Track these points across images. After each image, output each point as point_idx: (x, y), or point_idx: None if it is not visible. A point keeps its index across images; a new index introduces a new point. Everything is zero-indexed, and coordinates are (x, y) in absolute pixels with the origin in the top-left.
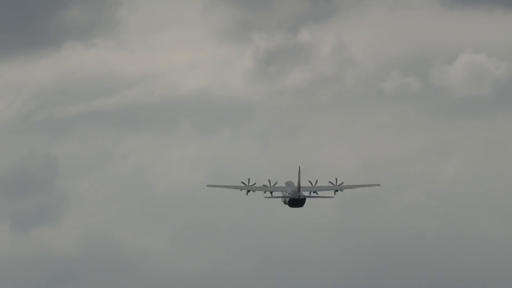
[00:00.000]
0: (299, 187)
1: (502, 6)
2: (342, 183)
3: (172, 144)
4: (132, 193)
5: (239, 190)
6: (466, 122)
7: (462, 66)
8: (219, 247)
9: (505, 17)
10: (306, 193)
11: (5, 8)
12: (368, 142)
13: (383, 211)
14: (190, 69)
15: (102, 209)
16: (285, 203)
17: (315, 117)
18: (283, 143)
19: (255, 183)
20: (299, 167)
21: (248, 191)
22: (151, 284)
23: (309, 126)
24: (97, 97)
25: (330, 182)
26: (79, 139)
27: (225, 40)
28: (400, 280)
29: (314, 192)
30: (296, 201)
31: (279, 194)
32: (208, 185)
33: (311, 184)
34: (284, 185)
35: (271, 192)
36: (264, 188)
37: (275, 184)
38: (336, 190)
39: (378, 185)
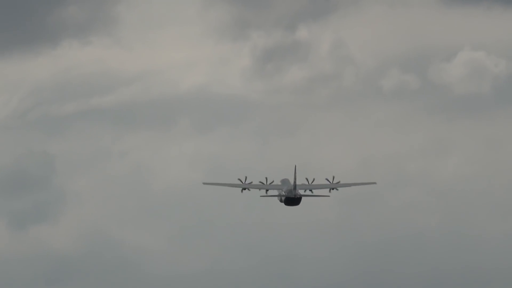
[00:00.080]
0: (295, 185)
1: (501, 4)
2: (339, 182)
3: (170, 142)
4: (129, 191)
5: (236, 188)
6: (465, 119)
7: (461, 64)
8: (217, 245)
9: (504, 15)
10: (302, 192)
11: (1, 5)
12: (366, 140)
13: (382, 209)
14: (188, 66)
15: (99, 207)
16: (281, 201)
17: (314, 115)
18: (281, 141)
19: (251, 182)
20: (295, 166)
21: (244, 188)
22: (149, 281)
23: (307, 124)
24: (94, 95)
25: (326, 179)
26: (76, 137)
27: (223, 38)
28: (399, 278)
29: (310, 190)
30: (292, 200)
31: (275, 192)
32: (204, 183)
33: (308, 182)
34: (280, 183)
35: (266, 190)
36: (260, 186)
37: (271, 183)
38: (332, 189)
39: (374, 183)
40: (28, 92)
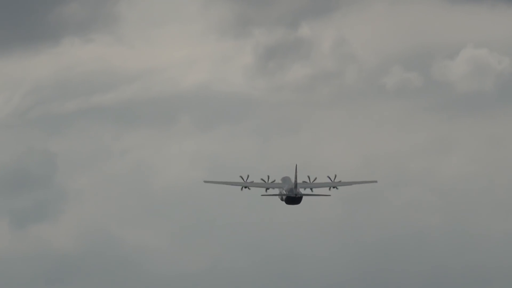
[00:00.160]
0: (295, 184)
1: (504, 1)
2: (340, 181)
3: (171, 140)
4: (130, 189)
5: (237, 186)
6: (468, 117)
7: (464, 61)
8: (218, 243)
9: (508, 12)
10: (303, 190)
11: (3, 2)
12: (369, 138)
13: (384, 208)
14: (189, 64)
15: (100, 206)
16: (282, 199)
17: (316, 113)
18: (283, 139)
19: (252, 181)
20: (296, 165)
21: (245, 187)
22: (150, 280)
23: (309, 122)
24: (95, 92)
25: (328, 177)
26: (77, 135)
27: (225, 35)
28: (401, 277)
29: (310, 189)
30: (293, 199)
31: (276, 191)
32: (205, 181)
33: (309, 180)
34: (280, 181)
35: (266, 189)
36: (260, 185)
37: (273, 181)
38: (333, 187)
39: (375, 181)
40: (29, 90)
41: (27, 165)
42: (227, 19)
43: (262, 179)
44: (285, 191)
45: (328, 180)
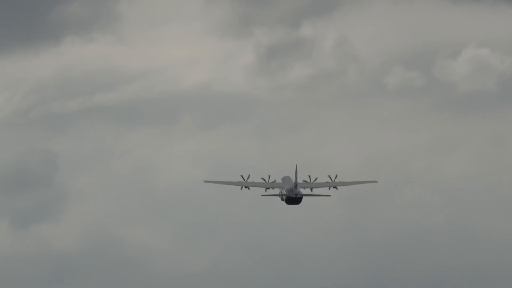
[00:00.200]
0: (296, 184)
1: (507, 0)
2: (340, 180)
3: (173, 139)
4: (132, 189)
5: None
6: (470, 117)
7: (466, 61)
8: (219, 243)
9: (510, 11)
10: (303, 190)
11: (3, 2)
12: (370, 137)
13: (386, 207)
14: (191, 64)
15: (101, 205)
16: (282, 199)
17: (317, 113)
18: (285, 138)
19: (252, 181)
20: (296, 165)
21: (245, 186)
22: (151, 280)
23: (310, 122)
24: (96, 92)
25: (328, 177)
26: (79, 134)
27: (226, 35)
28: (403, 277)
29: (310, 189)
30: (293, 199)
31: (277, 191)
32: (205, 181)
33: (310, 179)
34: (281, 181)
35: (266, 189)
36: (260, 185)
37: (274, 181)
38: (333, 187)
39: (376, 181)
40: (30, 90)
41: (28, 165)
42: (229, 19)
43: (262, 179)
44: (285, 191)
45: (329, 180)
